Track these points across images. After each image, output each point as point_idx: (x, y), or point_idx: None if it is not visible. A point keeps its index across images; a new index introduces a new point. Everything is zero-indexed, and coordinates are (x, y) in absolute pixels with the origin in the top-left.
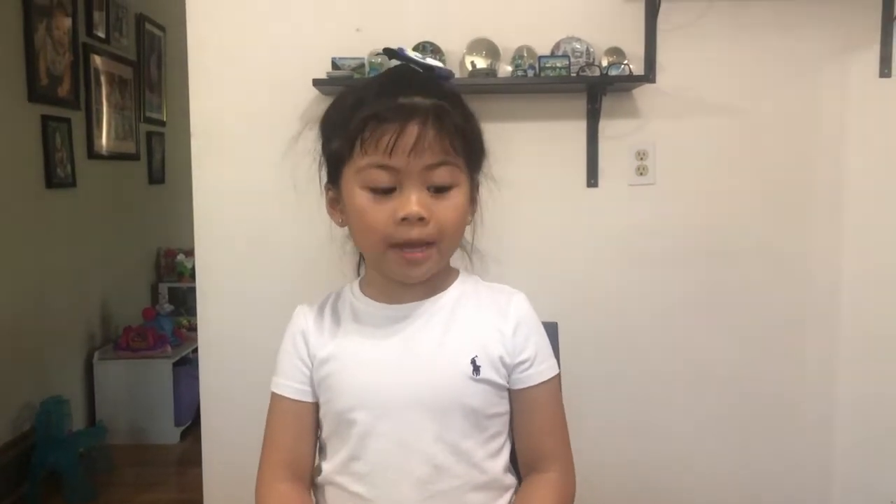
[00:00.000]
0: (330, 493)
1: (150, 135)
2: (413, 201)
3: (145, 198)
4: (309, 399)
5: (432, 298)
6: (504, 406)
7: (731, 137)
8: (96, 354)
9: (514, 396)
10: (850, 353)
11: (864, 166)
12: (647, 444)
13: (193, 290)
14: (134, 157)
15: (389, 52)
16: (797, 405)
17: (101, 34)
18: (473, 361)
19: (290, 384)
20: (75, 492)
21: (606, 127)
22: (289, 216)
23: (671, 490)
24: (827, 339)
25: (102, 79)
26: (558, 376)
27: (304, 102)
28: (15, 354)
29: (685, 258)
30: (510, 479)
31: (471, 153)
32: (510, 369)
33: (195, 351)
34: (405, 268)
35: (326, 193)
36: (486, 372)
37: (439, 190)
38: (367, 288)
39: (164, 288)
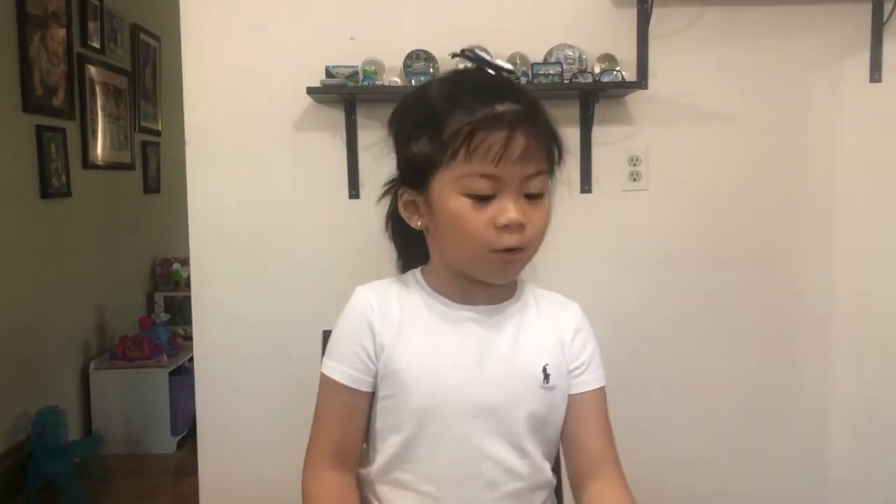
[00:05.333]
0: (389, 489)
1: (145, 144)
2: (514, 209)
3: (141, 207)
4: (365, 388)
5: (504, 304)
6: (563, 411)
7: (722, 143)
8: (92, 364)
9: (570, 403)
10: (843, 357)
11: (855, 171)
12: (641, 446)
13: (189, 298)
14: (129, 166)
15: (468, 55)
16: (791, 408)
17: (96, 44)
18: (545, 369)
19: (347, 371)
20: (71, 502)
21: (599, 133)
22: (284, 224)
23: (667, 490)
24: (820, 343)
25: (97, 89)
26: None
27: (298, 110)
28: (10, 364)
29: (678, 264)
30: (555, 481)
31: (556, 160)
32: (567, 377)
33: (191, 360)
34: (502, 271)
35: (401, 196)
36: (554, 380)
37: (531, 196)
38: (437, 284)
39: (160, 297)
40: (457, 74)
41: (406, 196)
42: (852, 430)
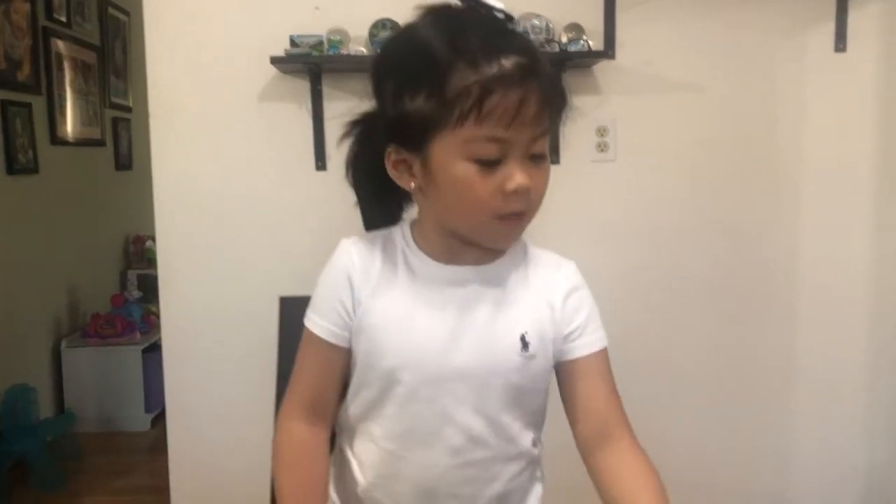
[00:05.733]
0: (359, 440)
1: (116, 120)
2: (522, 174)
3: (112, 184)
4: (343, 344)
5: (490, 265)
6: (545, 382)
7: (690, 113)
8: (64, 342)
9: (569, 369)
10: (808, 327)
11: (820, 141)
12: None
13: None
14: (99, 142)
15: None
16: (757, 378)
17: (63, 18)
18: (523, 338)
19: (326, 325)
20: (43, 480)
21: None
22: (251, 197)
23: None
24: (786, 313)
25: (65, 63)
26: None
27: (263, 81)
28: None
29: (646, 235)
30: (536, 451)
31: (561, 116)
32: (560, 342)
33: None
34: (506, 236)
35: (388, 154)
36: (534, 349)
37: (535, 158)
38: (423, 242)
39: (133, 275)
40: (449, 14)
41: (395, 155)
42: (816, 396)
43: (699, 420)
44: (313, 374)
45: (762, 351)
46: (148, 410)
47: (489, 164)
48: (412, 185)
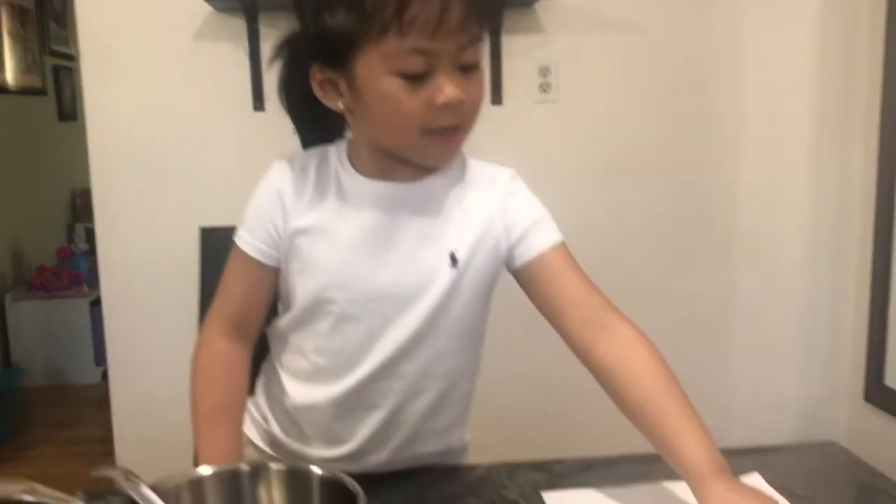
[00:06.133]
0: (290, 352)
1: (57, 69)
2: (452, 86)
3: (55, 135)
4: (271, 263)
5: (423, 182)
6: (479, 301)
7: (633, 52)
8: (8, 296)
9: (533, 270)
10: (744, 265)
11: (760, 80)
12: (547, 362)
13: None
14: (40, 91)
15: None
16: (695, 316)
17: None
18: (453, 255)
19: (256, 244)
20: None
21: (509, 43)
22: (187, 139)
23: (573, 403)
24: (723, 252)
25: (0, 8)
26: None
27: (198, 20)
28: None
29: (589, 175)
30: (468, 370)
31: (494, 20)
32: (512, 249)
33: None
34: (441, 152)
35: (313, 75)
36: (464, 265)
37: (466, 68)
38: (356, 160)
39: (80, 228)
40: None
41: (320, 75)
42: (752, 334)
43: None
44: (239, 291)
45: (699, 289)
46: (98, 364)
47: (416, 78)
48: (340, 105)
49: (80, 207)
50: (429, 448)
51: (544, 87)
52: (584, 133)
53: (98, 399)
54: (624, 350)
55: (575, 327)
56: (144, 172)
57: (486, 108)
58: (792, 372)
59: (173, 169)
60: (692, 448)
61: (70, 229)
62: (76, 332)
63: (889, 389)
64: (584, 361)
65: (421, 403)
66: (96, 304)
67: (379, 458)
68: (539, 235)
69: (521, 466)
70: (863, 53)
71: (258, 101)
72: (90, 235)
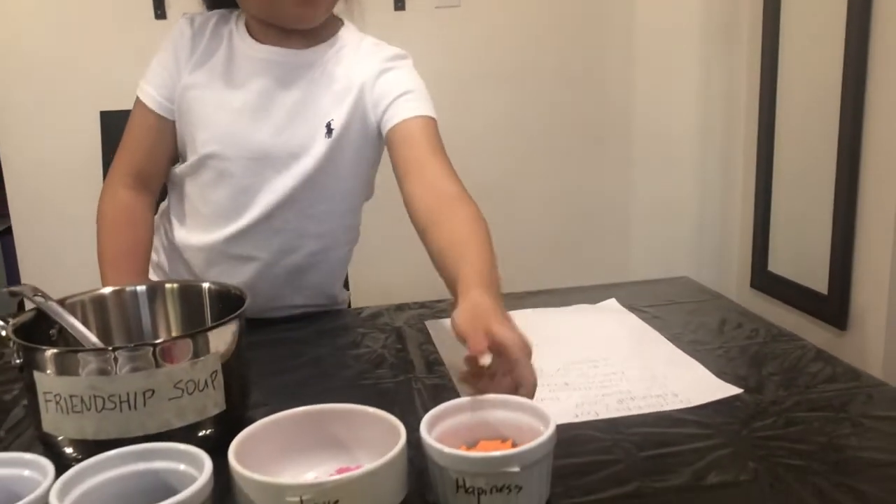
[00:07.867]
0: (182, 202)
1: None
2: None
3: None
4: (170, 117)
5: (310, 49)
6: (355, 171)
7: None
8: None
9: (395, 137)
10: (642, 164)
11: None
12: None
13: None
14: None
15: None
16: (595, 212)
17: None
18: (329, 125)
19: (155, 96)
20: None
21: None
22: (86, 47)
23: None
24: (621, 152)
25: None
26: (436, 124)
27: None
28: None
29: (490, 80)
30: (343, 237)
31: None
32: (381, 116)
33: None
34: (302, 8)
35: None
36: (339, 135)
37: None
38: (251, 23)
39: None
40: None
41: None
42: (648, 225)
43: (543, 256)
44: (140, 142)
45: (599, 186)
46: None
47: None
48: None
49: None
50: (303, 300)
51: None
52: (485, 37)
53: None
54: (452, 226)
55: (420, 207)
56: (43, 87)
57: (389, 14)
58: (686, 263)
59: (72, 81)
60: (467, 267)
61: None
62: None
63: (772, 275)
64: (422, 240)
65: (293, 260)
66: (6, 233)
67: (257, 305)
68: (408, 104)
69: (406, 304)
70: None
71: (159, 9)
72: None
